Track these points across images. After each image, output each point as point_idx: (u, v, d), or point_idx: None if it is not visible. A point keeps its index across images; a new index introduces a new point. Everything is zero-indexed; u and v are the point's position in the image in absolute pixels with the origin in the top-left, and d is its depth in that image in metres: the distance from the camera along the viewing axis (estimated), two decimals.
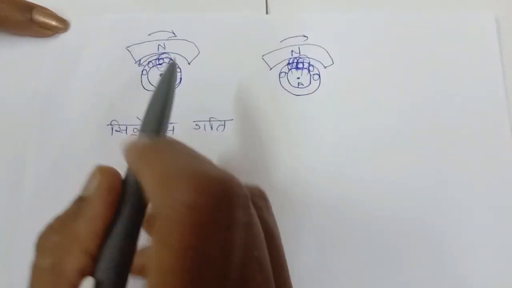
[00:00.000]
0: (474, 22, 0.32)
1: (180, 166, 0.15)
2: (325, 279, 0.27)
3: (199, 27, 0.32)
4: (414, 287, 0.27)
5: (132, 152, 0.18)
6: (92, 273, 0.16)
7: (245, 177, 0.27)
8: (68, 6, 0.33)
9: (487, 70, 0.31)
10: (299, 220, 0.28)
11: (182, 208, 0.14)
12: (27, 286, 0.17)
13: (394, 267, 0.27)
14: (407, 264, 0.27)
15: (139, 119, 0.30)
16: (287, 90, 0.31)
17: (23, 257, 0.28)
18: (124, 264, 0.17)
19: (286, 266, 0.18)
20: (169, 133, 0.30)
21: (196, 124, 0.30)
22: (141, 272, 0.18)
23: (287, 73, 0.31)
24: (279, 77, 0.31)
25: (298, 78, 0.31)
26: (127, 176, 0.18)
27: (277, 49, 0.32)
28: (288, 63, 0.32)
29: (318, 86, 0.31)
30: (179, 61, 0.32)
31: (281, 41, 0.32)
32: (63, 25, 0.32)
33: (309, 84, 0.31)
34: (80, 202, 0.17)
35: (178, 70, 0.31)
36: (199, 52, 0.32)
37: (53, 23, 0.32)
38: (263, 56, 0.32)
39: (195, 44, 0.32)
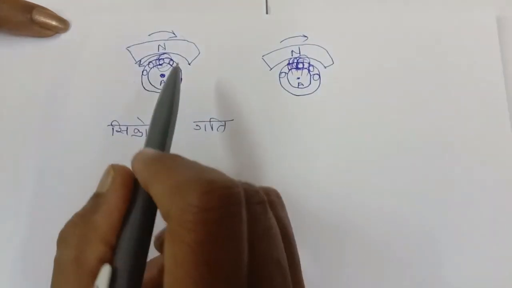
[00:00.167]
0: (475, 21, 0.32)
1: (187, 177, 0.16)
2: (325, 279, 0.27)
3: (199, 27, 0.32)
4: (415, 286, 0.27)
5: (140, 166, 0.19)
6: (110, 262, 0.17)
7: (246, 177, 0.27)
8: (68, 6, 0.33)
9: (488, 70, 0.31)
10: (298, 220, 0.28)
11: (193, 208, 0.15)
12: (51, 280, 0.18)
13: (393, 268, 0.27)
14: (406, 265, 0.28)
15: (139, 119, 0.30)
16: (287, 90, 0.31)
17: (24, 257, 0.28)
18: (140, 252, 0.18)
19: (300, 264, 0.19)
20: None
21: (197, 125, 0.30)
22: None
23: (287, 73, 0.31)
24: (279, 77, 0.31)
25: (298, 78, 0.31)
26: None
27: (277, 49, 0.32)
28: (288, 63, 0.32)
29: (318, 86, 0.31)
30: (179, 62, 0.32)
31: (281, 41, 0.32)
32: (63, 25, 0.32)
33: (309, 84, 0.31)
34: (97, 198, 0.19)
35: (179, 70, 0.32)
36: (199, 53, 0.32)
37: (53, 23, 0.32)
38: (263, 56, 0.32)
39: (195, 45, 0.32)
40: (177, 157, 0.19)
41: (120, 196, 0.19)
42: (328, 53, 0.32)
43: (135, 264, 0.17)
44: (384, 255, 0.28)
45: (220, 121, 0.30)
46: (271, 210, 0.18)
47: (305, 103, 0.31)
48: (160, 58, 0.32)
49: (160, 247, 0.20)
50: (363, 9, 0.33)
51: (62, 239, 0.18)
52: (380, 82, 0.31)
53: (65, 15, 0.33)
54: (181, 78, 0.31)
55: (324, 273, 0.27)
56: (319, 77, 0.31)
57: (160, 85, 0.31)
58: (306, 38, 0.32)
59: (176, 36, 0.32)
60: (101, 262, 0.17)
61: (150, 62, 0.32)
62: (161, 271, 0.16)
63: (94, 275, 0.17)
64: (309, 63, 0.32)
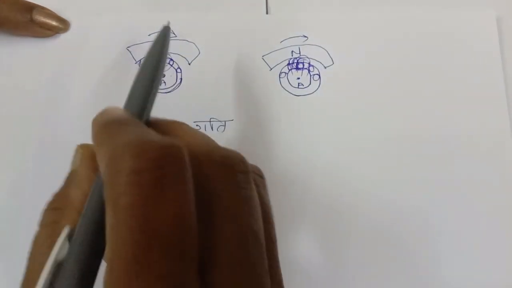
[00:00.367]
0: (475, 21, 0.32)
1: (125, 141, 0.15)
2: (324, 277, 0.27)
3: (199, 27, 0.32)
4: (414, 287, 0.27)
5: (94, 131, 0.19)
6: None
7: None
8: (68, 6, 0.33)
9: (488, 70, 0.31)
10: (298, 219, 0.28)
11: (125, 170, 0.14)
12: (28, 256, 0.18)
13: (393, 266, 0.28)
14: (406, 264, 0.28)
15: None
16: (287, 91, 0.31)
17: (24, 257, 0.28)
18: (98, 217, 0.17)
19: (276, 243, 0.19)
20: None
21: (197, 125, 0.30)
22: None
23: (287, 74, 0.31)
24: (279, 77, 0.31)
25: (298, 78, 0.31)
26: None
27: (277, 49, 0.32)
28: (288, 64, 0.32)
29: (318, 87, 0.31)
30: (180, 62, 0.32)
31: (281, 41, 0.32)
32: (63, 25, 0.32)
33: (309, 85, 0.31)
34: (71, 174, 0.20)
35: (179, 70, 0.32)
36: (199, 53, 0.32)
37: (53, 23, 0.32)
38: (263, 56, 0.32)
39: (195, 45, 0.32)
40: (129, 124, 0.18)
41: (88, 167, 0.19)
42: (328, 53, 0.32)
43: (91, 227, 0.17)
44: (384, 253, 0.28)
45: (220, 121, 0.30)
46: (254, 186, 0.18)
47: (305, 103, 0.31)
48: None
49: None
50: (363, 9, 0.33)
51: (42, 216, 0.19)
52: (380, 82, 0.31)
53: (65, 15, 0.33)
54: (180, 76, 0.31)
55: (324, 270, 0.27)
56: (319, 77, 0.31)
57: (160, 85, 0.31)
58: (306, 38, 0.32)
59: (176, 36, 0.32)
60: None
61: None
62: None
63: None
64: (309, 63, 0.32)
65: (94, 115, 0.30)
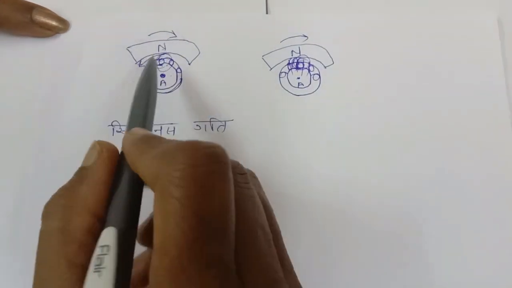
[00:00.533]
0: (477, 23, 0.32)
1: (172, 145, 0.17)
2: (324, 278, 0.27)
3: (199, 27, 0.32)
4: (415, 286, 0.27)
5: (129, 146, 0.19)
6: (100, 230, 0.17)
7: None
8: (68, 6, 0.33)
9: (490, 72, 0.31)
10: (298, 220, 0.28)
11: (180, 165, 0.15)
12: (36, 252, 0.18)
13: (393, 266, 0.28)
14: (406, 264, 0.28)
15: None
16: (287, 90, 0.31)
17: (24, 257, 0.28)
18: (132, 217, 0.18)
19: (281, 234, 0.20)
20: (169, 134, 0.30)
21: (197, 125, 0.30)
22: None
23: (287, 73, 0.31)
24: (279, 77, 0.31)
25: (298, 78, 0.31)
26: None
27: (277, 49, 0.32)
28: (288, 63, 0.32)
29: (318, 86, 0.31)
30: (180, 62, 0.32)
31: (281, 41, 0.32)
32: (63, 25, 0.32)
33: (309, 84, 0.31)
34: (83, 171, 0.19)
35: (179, 70, 0.32)
36: (199, 53, 0.32)
37: (53, 23, 0.32)
38: (263, 56, 0.32)
39: (195, 45, 0.32)
40: (162, 138, 0.19)
41: (105, 169, 0.19)
42: (328, 53, 0.32)
43: (129, 226, 0.18)
44: (384, 253, 0.28)
45: (220, 121, 0.30)
46: None
47: (305, 103, 0.31)
48: (160, 58, 0.32)
49: (143, 239, 0.20)
50: (363, 9, 0.33)
51: (47, 211, 0.18)
52: (380, 82, 0.31)
53: (65, 15, 0.33)
54: (180, 76, 0.31)
55: (325, 269, 0.27)
56: (319, 77, 0.31)
57: (160, 85, 0.31)
58: (306, 38, 0.32)
59: (176, 36, 0.32)
60: (89, 233, 0.17)
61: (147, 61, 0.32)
62: (148, 265, 0.16)
63: (82, 244, 0.17)
64: (309, 63, 0.32)
65: (94, 115, 0.30)
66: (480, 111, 0.30)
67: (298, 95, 0.31)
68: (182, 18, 0.33)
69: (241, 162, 0.20)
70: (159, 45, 0.32)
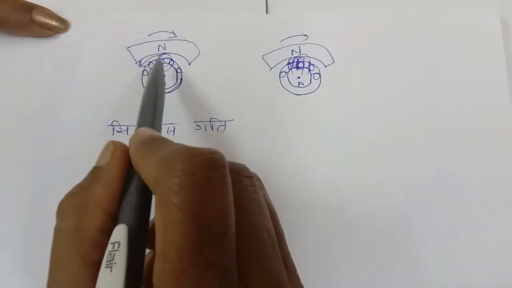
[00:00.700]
0: (479, 23, 0.32)
1: (172, 150, 0.17)
2: (324, 278, 0.27)
3: (199, 27, 0.32)
4: (415, 286, 0.27)
5: (133, 148, 0.20)
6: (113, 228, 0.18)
7: None
8: (68, 6, 0.33)
9: (491, 71, 0.31)
10: (298, 220, 0.28)
11: (178, 172, 0.16)
12: (51, 250, 0.18)
13: (393, 266, 0.27)
14: (406, 264, 0.27)
15: None
16: (287, 90, 0.31)
17: (24, 257, 0.28)
18: (143, 214, 0.18)
19: (284, 238, 0.20)
20: (169, 134, 0.30)
21: (197, 125, 0.30)
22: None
23: (288, 73, 0.31)
24: (280, 76, 0.31)
25: (299, 77, 0.31)
26: None
27: (277, 49, 0.32)
28: (289, 63, 0.32)
29: (319, 86, 0.31)
30: (180, 62, 0.32)
31: (281, 41, 0.32)
32: (63, 25, 0.32)
33: (309, 84, 0.31)
34: (96, 170, 0.20)
35: (179, 70, 0.32)
36: (199, 53, 0.32)
37: (53, 23, 0.32)
38: (263, 56, 0.32)
39: (195, 45, 0.32)
40: (166, 140, 0.20)
41: (119, 168, 0.19)
42: (328, 52, 0.32)
43: (141, 223, 0.18)
44: (385, 253, 0.28)
45: (220, 121, 0.30)
46: None
47: (305, 103, 0.31)
48: (160, 58, 0.32)
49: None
50: (364, 8, 0.33)
51: (62, 209, 0.19)
52: (380, 81, 0.31)
53: (65, 15, 0.33)
54: (181, 77, 0.31)
55: (320, 270, 0.27)
56: (320, 76, 0.31)
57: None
58: (306, 37, 0.32)
59: (176, 36, 0.32)
60: (102, 231, 0.18)
61: (151, 62, 0.32)
62: (148, 266, 0.16)
63: (95, 243, 0.17)
64: (309, 62, 0.32)
65: (94, 115, 0.30)
66: (481, 111, 0.30)
67: (298, 95, 0.31)
68: (182, 18, 0.33)
69: (240, 162, 0.20)
70: (159, 45, 0.32)
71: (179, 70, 0.32)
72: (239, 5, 0.33)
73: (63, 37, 0.33)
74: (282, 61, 0.32)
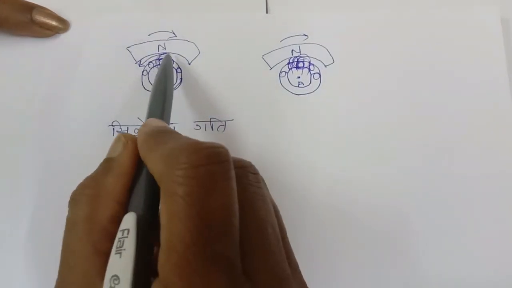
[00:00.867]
0: (480, 22, 0.32)
1: (178, 144, 0.18)
2: (324, 278, 0.27)
3: (199, 27, 0.32)
4: (415, 286, 0.27)
5: (141, 140, 0.20)
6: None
7: None
8: (68, 6, 0.33)
9: (493, 71, 0.31)
10: (298, 220, 0.28)
11: (183, 165, 0.16)
12: (63, 239, 0.18)
13: (393, 266, 0.27)
14: (406, 264, 0.27)
15: (140, 119, 0.30)
16: (287, 90, 0.31)
17: (23, 257, 0.28)
18: (152, 204, 0.19)
19: (286, 234, 0.20)
20: None
21: (197, 125, 0.30)
22: None
23: (288, 73, 0.31)
24: (280, 76, 0.31)
25: (299, 77, 0.31)
26: None
27: (277, 49, 0.32)
28: (289, 63, 0.32)
29: (319, 85, 0.31)
30: (180, 62, 0.32)
31: (281, 41, 0.32)
32: (63, 25, 0.32)
33: (309, 83, 0.31)
34: (108, 162, 0.20)
35: (179, 70, 0.32)
36: (199, 52, 0.32)
37: (53, 23, 0.32)
38: (263, 56, 0.32)
39: (195, 44, 0.32)
40: (172, 132, 0.20)
41: (130, 160, 0.20)
42: (328, 52, 0.32)
43: (149, 213, 0.18)
44: (385, 253, 0.28)
45: (220, 121, 0.30)
46: None
47: (305, 102, 0.31)
48: (160, 58, 0.32)
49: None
50: (364, 7, 0.33)
51: (74, 199, 0.19)
52: (381, 80, 0.31)
53: (65, 15, 0.33)
54: (180, 76, 0.31)
55: (320, 270, 0.27)
56: (320, 76, 0.31)
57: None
58: (306, 37, 0.32)
59: (176, 36, 0.32)
60: (113, 221, 0.18)
61: (150, 62, 0.32)
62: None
63: (107, 232, 0.18)
64: (309, 62, 0.32)
65: (94, 115, 0.30)
66: (481, 110, 0.30)
67: (298, 95, 0.31)
68: (182, 18, 0.33)
69: None
70: (159, 45, 0.32)
71: (179, 70, 0.32)
72: (239, 5, 0.33)
73: (63, 37, 0.33)
74: (282, 61, 0.32)
